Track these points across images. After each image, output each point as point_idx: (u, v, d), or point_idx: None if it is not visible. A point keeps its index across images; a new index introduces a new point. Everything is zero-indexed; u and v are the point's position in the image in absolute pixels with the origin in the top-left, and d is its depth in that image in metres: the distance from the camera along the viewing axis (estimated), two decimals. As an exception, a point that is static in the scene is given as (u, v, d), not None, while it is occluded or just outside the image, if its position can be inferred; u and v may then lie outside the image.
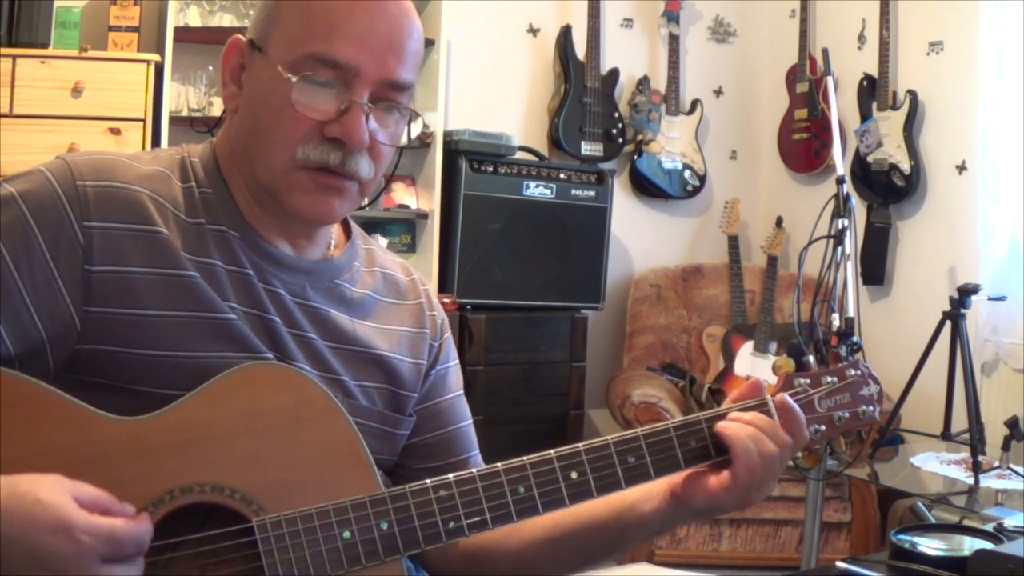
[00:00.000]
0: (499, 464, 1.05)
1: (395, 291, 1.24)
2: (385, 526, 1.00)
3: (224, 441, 0.98)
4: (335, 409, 1.02)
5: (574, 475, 1.05)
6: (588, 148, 4.21)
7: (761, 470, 1.06)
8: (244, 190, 1.12)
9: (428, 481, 1.02)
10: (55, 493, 0.86)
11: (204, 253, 1.07)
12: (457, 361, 1.30)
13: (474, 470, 1.04)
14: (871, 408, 1.17)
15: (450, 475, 1.03)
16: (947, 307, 2.97)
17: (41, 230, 0.99)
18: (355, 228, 1.24)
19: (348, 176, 1.08)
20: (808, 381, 1.15)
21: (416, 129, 1.14)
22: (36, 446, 0.92)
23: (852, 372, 1.17)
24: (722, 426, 1.08)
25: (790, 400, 1.11)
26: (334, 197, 1.08)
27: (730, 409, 1.11)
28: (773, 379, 1.18)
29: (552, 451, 1.06)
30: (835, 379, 1.16)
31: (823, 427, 1.13)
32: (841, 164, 3.11)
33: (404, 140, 1.13)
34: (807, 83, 4.33)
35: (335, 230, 1.21)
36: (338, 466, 1.01)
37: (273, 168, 1.07)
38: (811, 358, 1.20)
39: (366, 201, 1.16)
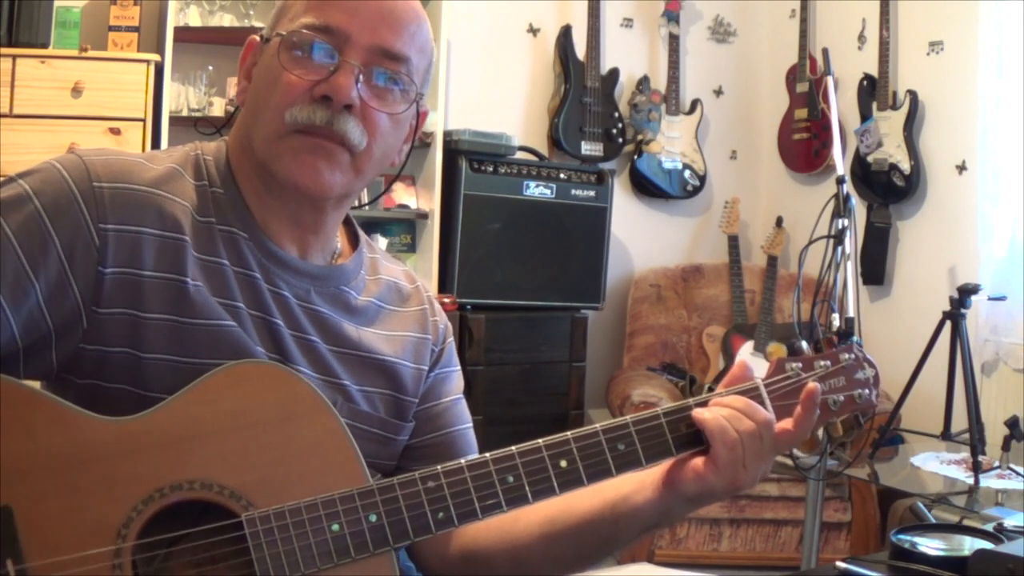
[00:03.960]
0: (487, 454, 1.04)
1: (399, 298, 1.24)
2: (374, 518, 0.99)
3: (213, 438, 0.98)
4: (323, 405, 1.02)
5: (563, 463, 1.04)
6: (588, 148, 4.21)
7: (742, 447, 1.05)
8: (253, 182, 1.12)
9: (416, 473, 1.02)
10: None
11: (213, 253, 1.07)
12: (459, 367, 1.30)
13: (462, 460, 1.04)
14: (867, 391, 1.14)
15: (438, 466, 1.03)
16: (947, 307, 2.96)
17: (57, 231, 1.00)
18: (362, 237, 1.25)
19: (336, 139, 1.07)
20: (800, 365, 1.13)
21: (421, 109, 1.14)
22: (28, 448, 0.93)
23: (846, 356, 1.15)
24: (697, 412, 1.07)
25: (815, 386, 1.08)
26: (322, 160, 1.07)
27: (720, 394, 1.10)
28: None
29: (541, 440, 1.05)
30: (828, 363, 1.13)
31: (818, 411, 1.10)
32: (841, 164, 3.11)
33: (402, 111, 1.11)
34: (807, 83, 4.33)
35: (341, 238, 1.22)
36: (327, 461, 1.01)
37: (266, 137, 1.08)
38: (804, 343, 1.17)
39: (366, 200, 1.16)
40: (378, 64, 1.08)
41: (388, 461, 1.20)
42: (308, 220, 1.14)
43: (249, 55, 1.15)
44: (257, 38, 1.14)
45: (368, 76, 1.08)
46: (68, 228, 1.00)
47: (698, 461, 1.07)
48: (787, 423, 1.08)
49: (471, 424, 1.29)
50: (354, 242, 1.24)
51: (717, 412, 1.07)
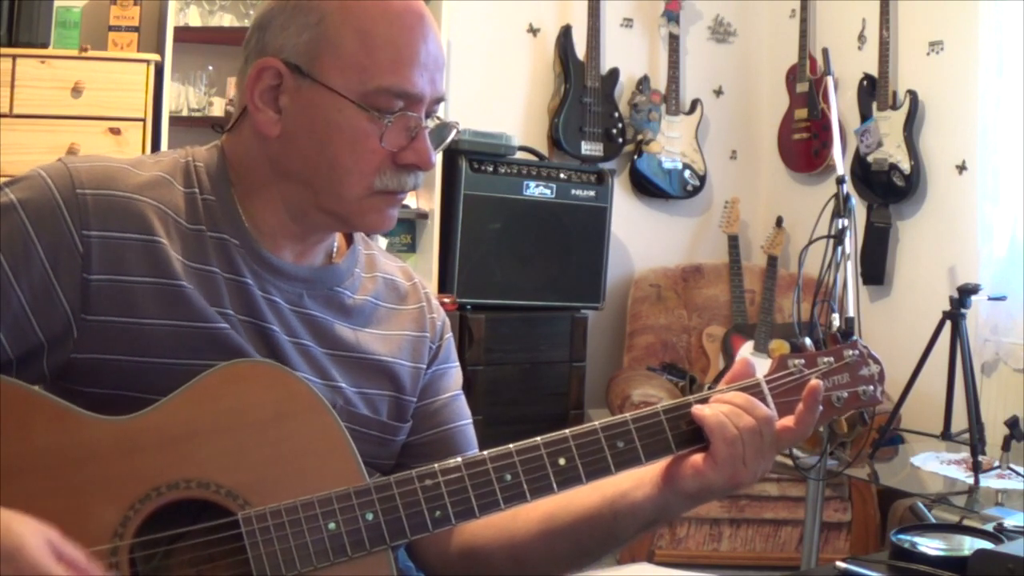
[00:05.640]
0: (485, 452, 1.04)
1: (396, 296, 1.24)
2: (371, 516, 0.99)
3: (210, 437, 0.98)
4: (319, 404, 1.02)
5: (562, 461, 1.04)
6: (588, 148, 4.21)
7: (742, 444, 1.04)
8: (274, 205, 1.11)
9: (413, 471, 1.02)
10: (29, 529, 0.85)
11: (203, 260, 1.07)
12: (457, 364, 1.30)
13: (460, 459, 1.04)
14: (872, 388, 1.13)
15: (435, 465, 1.03)
16: (947, 307, 2.96)
17: (40, 239, 1.00)
18: (356, 234, 1.24)
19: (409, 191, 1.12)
20: (803, 361, 1.12)
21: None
22: (26, 447, 0.93)
23: (850, 352, 1.13)
24: (697, 409, 1.07)
25: (818, 383, 1.08)
26: (396, 210, 1.13)
27: (721, 390, 1.09)
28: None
29: (539, 438, 1.05)
30: (831, 359, 1.13)
31: (821, 408, 1.09)
32: (841, 164, 3.11)
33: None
34: (807, 83, 4.33)
35: (338, 237, 1.21)
36: (323, 460, 1.01)
37: (347, 197, 1.08)
38: (808, 340, 1.16)
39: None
40: (432, 111, 1.11)
41: (387, 461, 1.19)
42: (323, 237, 1.16)
43: (265, 77, 1.07)
44: (276, 62, 1.06)
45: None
46: (51, 236, 1.00)
47: (698, 458, 1.06)
48: (789, 420, 1.08)
49: (471, 420, 1.28)
50: (348, 238, 1.23)
51: (717, 409, 1.06)
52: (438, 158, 3.79)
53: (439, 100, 1.11)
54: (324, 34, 1.06)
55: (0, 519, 0.84)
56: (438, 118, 1.14)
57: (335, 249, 1.20)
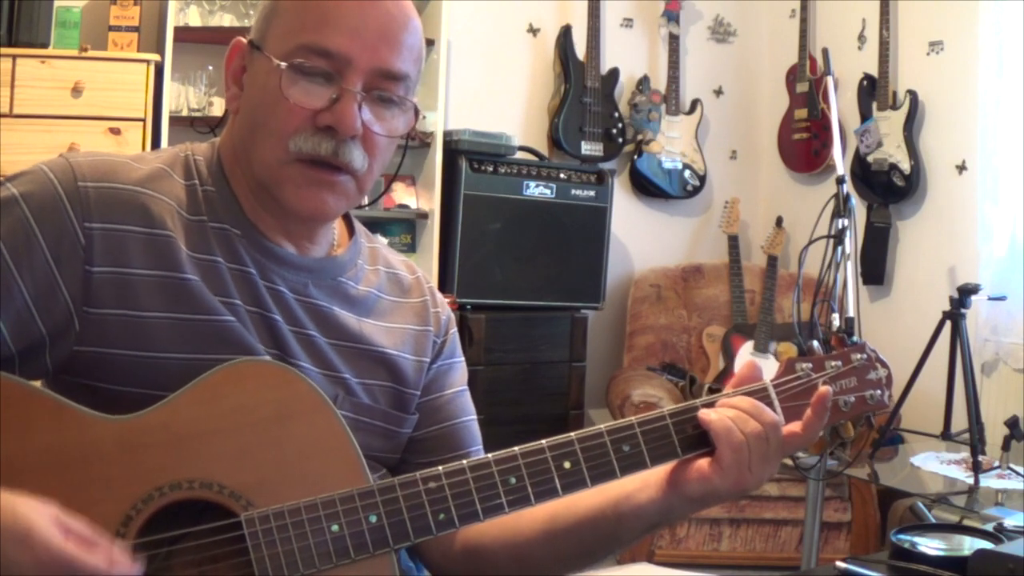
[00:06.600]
0: (490, 455, 1.04)
1: (399, 289, 1.24)
2: (374, 519, 0.99)
3: (213, 437, 0.98)
4: (323, 404, 1.02)
5: (567, 465, 1.04)
6: (588, 148, 4.21)
7: (748, 449, 1.03)
8: (247, 189, 1.12)
9: (417, 473, 1.02)
10: (35, 511, 0.85)
11: (206, 250, 1.07)
12: (462, 359, 1.29)
13: (464, 462, 1.03)
14: (879, 392, 1.12)
15: (440, 467, 1.02)
16: (947, 307, 2.96)
17: (43, 231, 1.00)
18: (358, 227, 1.24)
19: (341, 168, 1.07)
20: (810, 365, 1.11)
21: (417, 121, 1.13)
22: (27, 445, 0.93)
23: (858, 356, 1.13)
24: (703, 413, 1.06)
25: (827, 390, 1.07)
26: (327, 192, 1.08)
27: (728, 394, 1.09)
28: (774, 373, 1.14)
29: (544, 441, 1.04)
30: (839, 363, 1.12)
31: (828, 413, 1.07)
32: (841, 164, 3.11)
33: (402, 131, 1.12)
34: (807, 83, 4.33)
35: (338, 229, 1.21)
36: (327, 461, 1.01)
37: (267, 162, 1.07)
38: (816, 343, 1.16)
39: (366, 200, 1.16)
40: (379, 87, 1.08)
41: (391, 455, 1.19)
42: (302, 229, 1.15)
43: (235, 57, 1.12)
44: (244, 41, 1.12)
45: (369, 100, 1.07)
46: (54, 229, 1.00)
47: (703, 462, 1.05)
48: (795, 426, 1.07)
49: (475, 416, 1.28)
50: (351, 231, 1.23)
51: (723, 413, 1.05)
52: (437, 157, 3.84)
53: (387, 74, 1.07)
54: (274, 9, 1.09)
55: (2, 505, 0.85)
56: (411, 102, 1.11)
57: (335, 242, 1.20)
